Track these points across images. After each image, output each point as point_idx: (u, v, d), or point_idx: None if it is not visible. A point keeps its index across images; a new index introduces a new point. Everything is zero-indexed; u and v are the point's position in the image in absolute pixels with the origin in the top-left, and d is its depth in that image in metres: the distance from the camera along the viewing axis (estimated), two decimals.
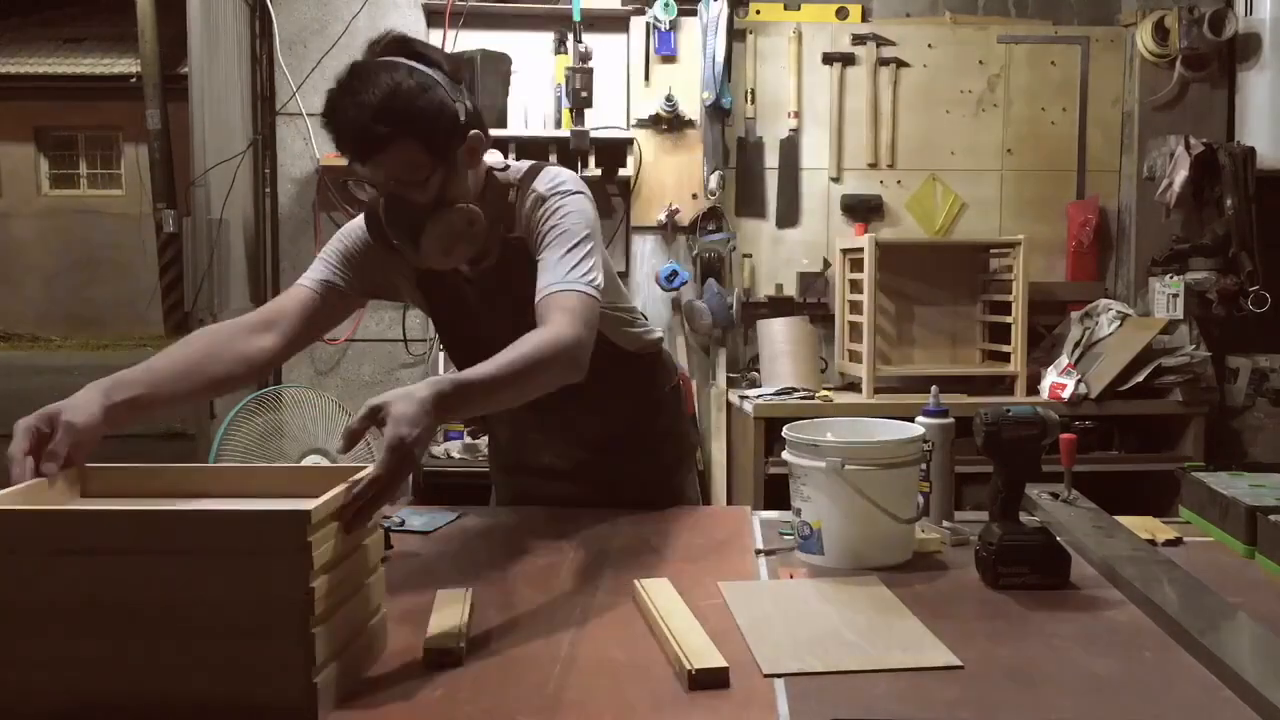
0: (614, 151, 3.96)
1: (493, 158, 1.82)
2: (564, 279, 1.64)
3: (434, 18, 4.03)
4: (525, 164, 1.82)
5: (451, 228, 1.66)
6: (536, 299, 1.63)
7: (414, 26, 4.01)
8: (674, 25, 3.98)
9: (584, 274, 1.65)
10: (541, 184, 1.74)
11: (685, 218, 4.02)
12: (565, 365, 1.57)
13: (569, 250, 1.67)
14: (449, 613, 1.37)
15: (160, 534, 1.07)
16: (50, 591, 1.08)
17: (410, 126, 1.62)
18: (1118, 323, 3.79)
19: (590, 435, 1.95)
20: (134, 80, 12.65)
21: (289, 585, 1.06)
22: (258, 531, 1.07)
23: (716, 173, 3.93)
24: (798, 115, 4.12)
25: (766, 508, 2.08)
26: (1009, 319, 3.72)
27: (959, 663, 1.26)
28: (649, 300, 4.05)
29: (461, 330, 1.87)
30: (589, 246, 1.68)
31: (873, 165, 4.16)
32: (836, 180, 4.16)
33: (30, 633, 1.07)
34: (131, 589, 1.07)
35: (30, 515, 1.10)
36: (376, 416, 1.30)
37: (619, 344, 1.89)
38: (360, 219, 1.81)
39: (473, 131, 1.68)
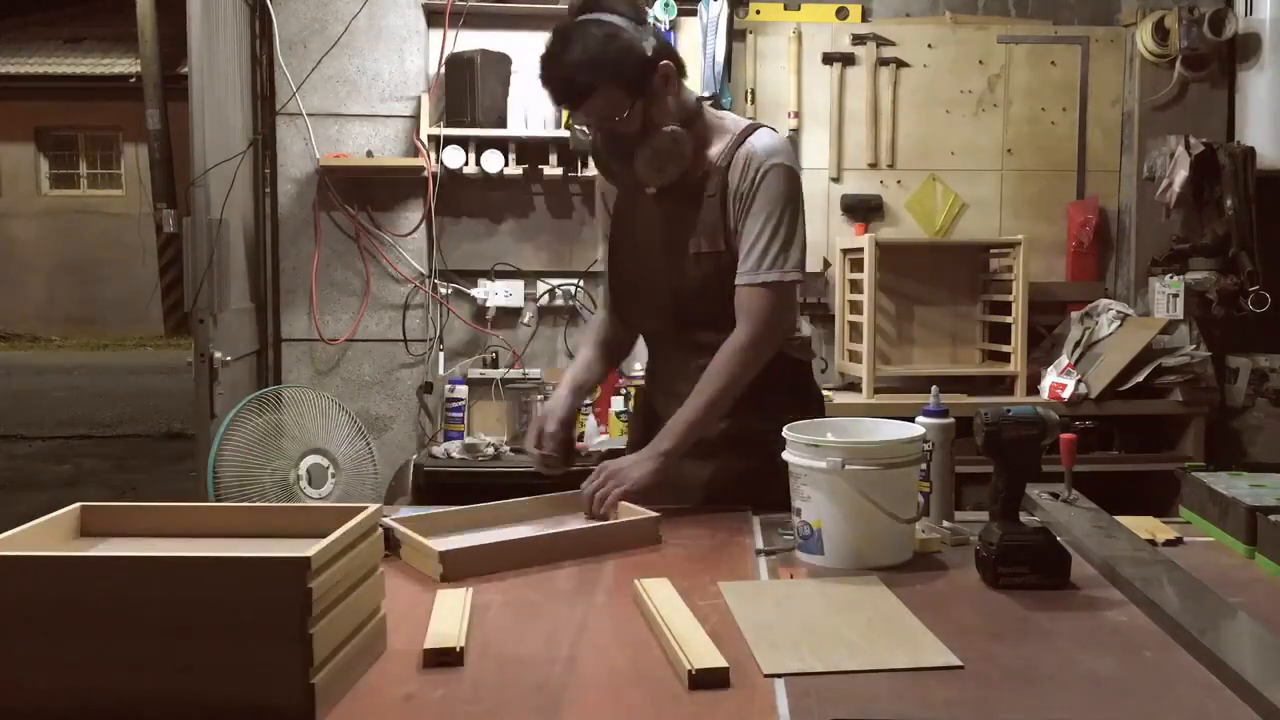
0: None
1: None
2: (762, 267, 1.92)
3: (434, 18, 4.03)
4: (744, 120, 2.05)
5: (660, 148, 1.92)
6: (738, 281, 1.93)
7: (414, 26, 4.01)
8: (674, 25, 3.97)
9: (781, 256, 1.93)
10: (760, 143, 1.96)
11: None
12: (752, 368, 1.93)
13: (774, 228, 1.93)
14: (449, 613, 1.37)
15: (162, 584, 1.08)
16: (50, 593, 1.08)
17: (605, 73, 1.87)
18: (1118, 323, 3.79)
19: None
20: (134, 80, 12.67)
21: (288, 586, 1.07)
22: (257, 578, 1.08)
23: None
24: (798, 115, 4.12)
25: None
26: (1009, 319, 3.72)
27: (959, 662, 1.26)
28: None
29: (626, 252, 2.09)
30: (794, 223, 1.95)
31: (873, 165, 4.16)
32: (836, 180, 4.16)
33: (30, 633, 1.08)
34: (131, 590, 1.07)
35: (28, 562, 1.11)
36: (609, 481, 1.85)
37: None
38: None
39: (663, 62, 1.93)
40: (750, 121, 2.04)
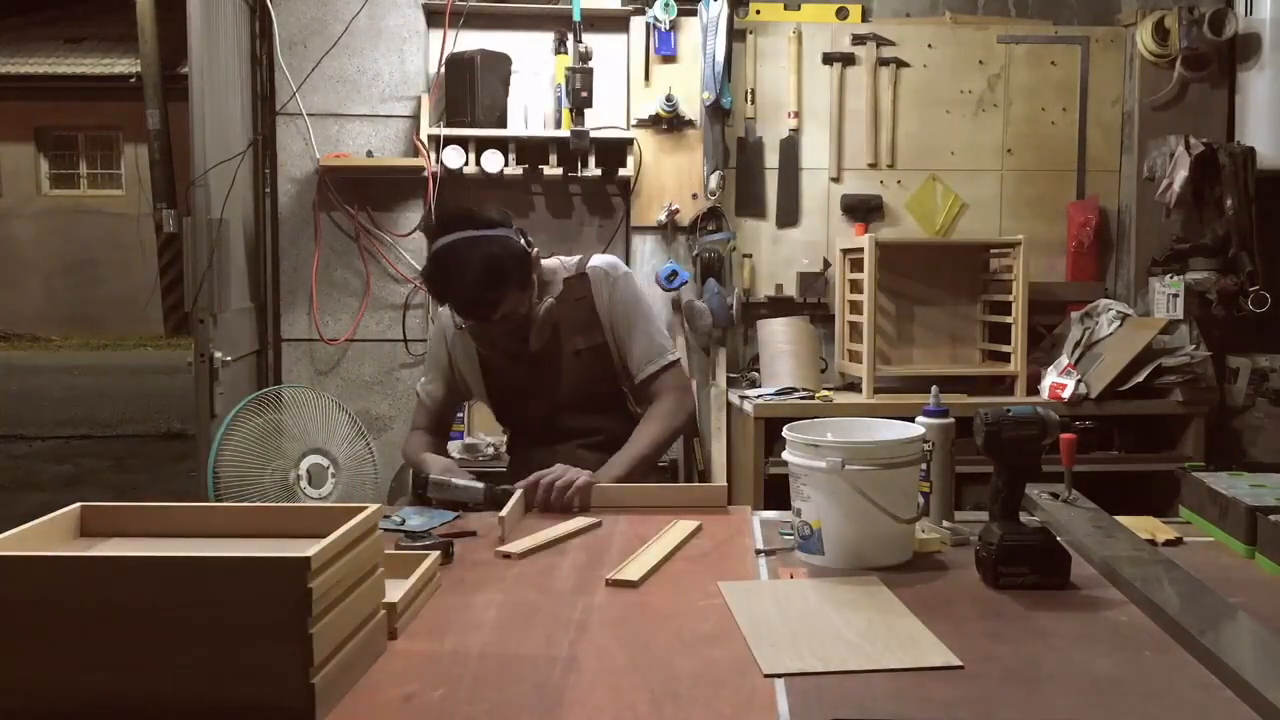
0: (614, 151, 3.96)
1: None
2: (656, 355, 2.28)
3: (434, 18, 4.03)
4: (570, 259, 2.37)
5: (544, 323, 2.21)
6: (640, 374, 2.28)
7: (414, 26, 4.01)
8: (674, 25, 3.97)
9: (662, 342, 2.31)
10: (602, 262, 2.33)
11: (685, 218, 4.02)
12: (675, 424, 2.28)
13: (644, 325, 2.30)
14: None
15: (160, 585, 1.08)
16: (50, 593, 1.08)
17: (510, 284, 2.13)
18: (1118, 323, 3.79)
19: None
20: (134, 80, 12.66)
21: (288, 586, 1.07)
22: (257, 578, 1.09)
23: (716, 173, 3.93)
24: (798, 115, 4.12)
25: (766, 508, 2.08)
26: (1009, 319, 3.72)
27: (959, 662, 1.26)
28: (649, 300, 4.05)
29: (505, 370, 2.31)
30: (652, 315, 2.34)
31: (873, 165, 4.16)
32: (836, 180, 4.16)
33: (30, 633, 1.08)
34: (131, 590, 1.07)
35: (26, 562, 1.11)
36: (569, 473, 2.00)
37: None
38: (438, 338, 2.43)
39: (534, 250, 2.21)
40: (577, 257, 2.38)
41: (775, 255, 4.15)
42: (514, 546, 1.74)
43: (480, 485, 2.07)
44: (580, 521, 1.91)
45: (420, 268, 4.02)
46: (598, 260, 2.34)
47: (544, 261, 2.34)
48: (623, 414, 2.34)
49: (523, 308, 2.18)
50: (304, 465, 3.56)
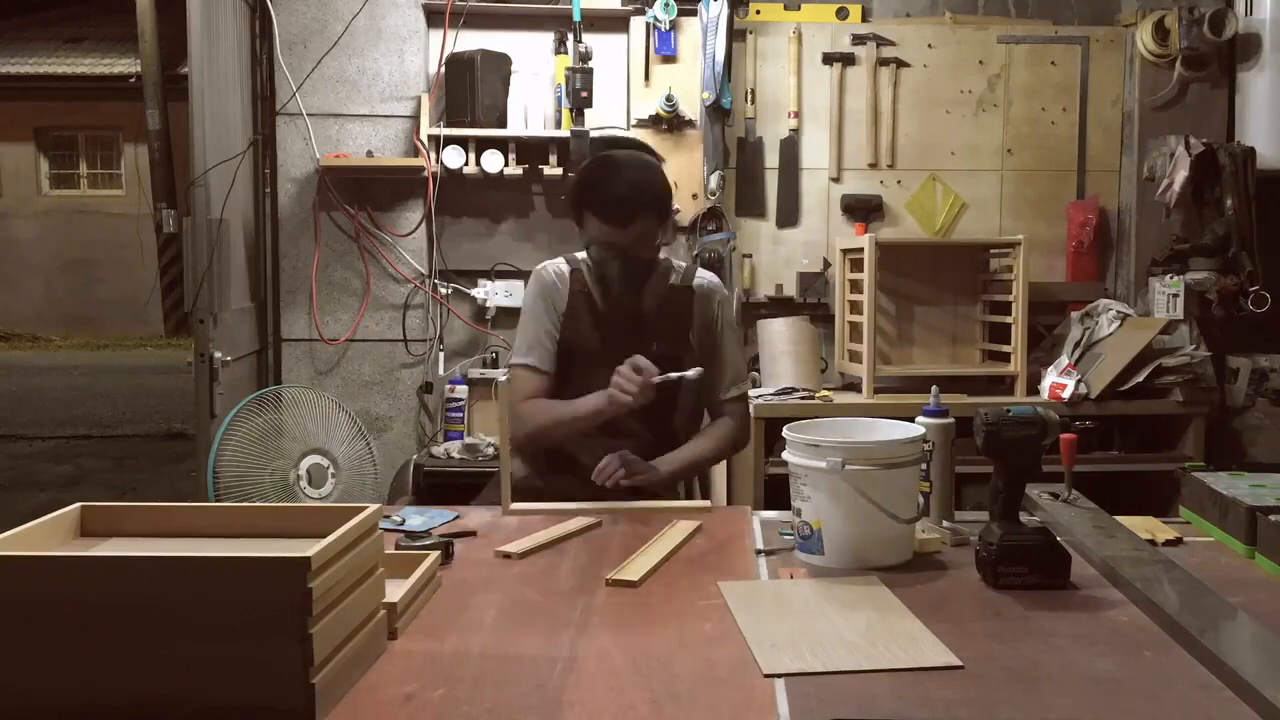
0: None
1: None
2: (739, 380, 2.36)
3: (434, 18, 4.03)
4: (680, 264, 2.39)
5: (656, 282, 2.27)
6: (724, 393, 2.35)
7: (414, 26, 4.01)
8: (674, 25, 3.97)
9: (744, 372, 2.39)
10: (711, 278, 2.38)
11: (685, 218, 4.01)
12: (729, 450, 2.41)
13: (736, 354, 2.37)
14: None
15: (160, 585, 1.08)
16: (51, 593, 1.08)
17: (656, 202, 2.18)
18: (1118, 323, 3.79)
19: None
20: (134, 80, 12.66)
21: (288, 586, 1.07)
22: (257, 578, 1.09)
23: (716, 173, 3.93)
24: (798, 115, 4.12)
25: (766, 508, 2.08)
26: (1009, 319, 3.72)
27: (959, 662, 1.27)
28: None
29: (585, 348, 2.27)
30: (740, 341, 2.44)
31: (873, 165, 4.16)
32: (836, 180, 4.16)
33: (30, 633, 1.08)
34: (132, 591, 1.07)
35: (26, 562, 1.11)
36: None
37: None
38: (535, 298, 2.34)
39: (676, 208, 2.24)
40: (685, 264, 2.40)
41: (775, 255, 4.15)
42: (514, 546, 1.74)
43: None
44: (580, 521, 1.91)
45: (420, 267, 4.04)
46: (706, 277, 2.37)
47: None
48: (662, 427, 2.30)
49: (654, 240, 2.20)
50: (304, 465, 3.56)
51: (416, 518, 1.93)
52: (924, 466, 1.74)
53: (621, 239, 2.16)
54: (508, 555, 1.72)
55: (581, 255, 2.32)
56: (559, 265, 2.34)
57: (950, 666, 1.26)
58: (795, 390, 3.71)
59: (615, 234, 2.15)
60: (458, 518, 1.97)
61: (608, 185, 2.16)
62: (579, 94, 3.81)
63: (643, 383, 2.03)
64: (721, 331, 2.34)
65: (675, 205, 2.33)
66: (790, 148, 4.14)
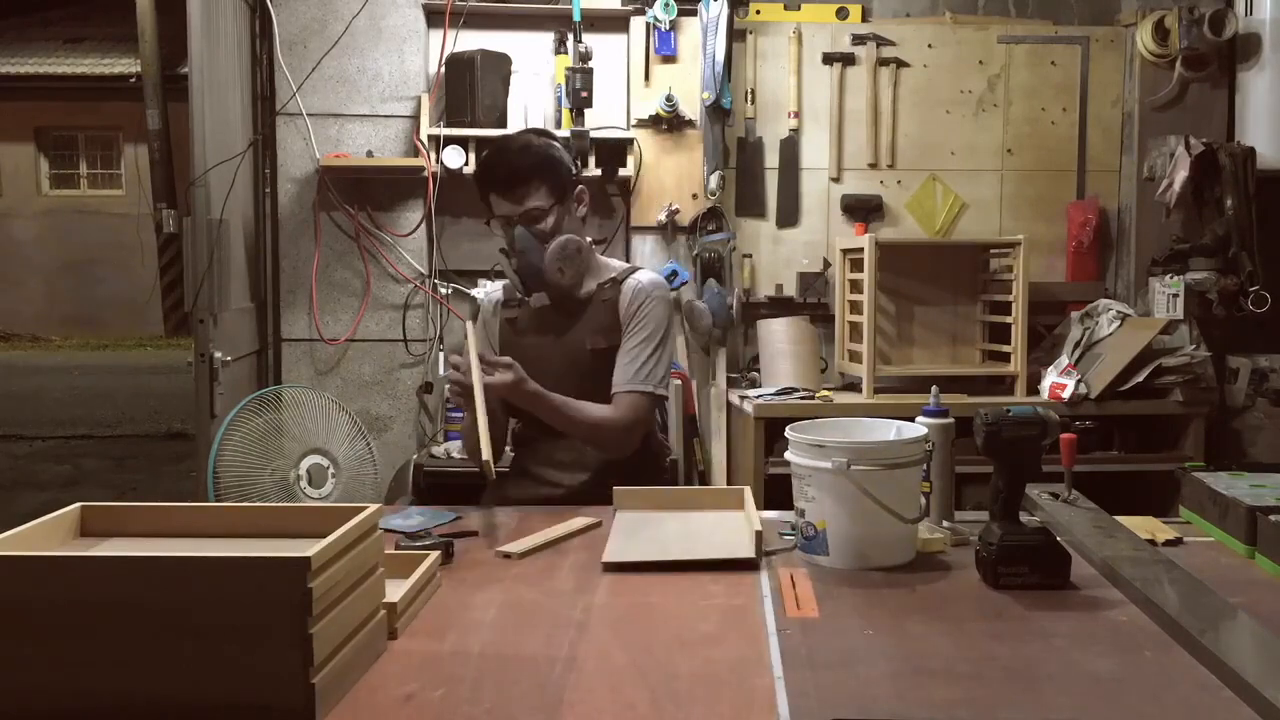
0: (614, 151, 3.96)
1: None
2: (637, 378, 2.25)
3: (434, 18, 4.03)
4: (622, 264, 2.42)
5: (568, 250, 2.24)
6: (614, 387, 2.25)
7: (414, 26, 4.01)
8: (674, 25, 3.97)
9: (652, 372, 2.27)
10: (646, 278, 2.34)
11: (685, 218, 4.02)
12: (609, 446, 2.26)
13: (652, 349, 2.28)
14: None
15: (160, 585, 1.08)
16: (51, 593, 1.08)
17: (541, 169, 2.24)
18: (1118, 323, 3.79)
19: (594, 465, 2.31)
20: (134, 80, 12.65)
21: (288, 586, 1.07)
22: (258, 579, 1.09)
23: (716, 173, 3.93)
24: (798, 115, 4.12)
25: (766, 508, 2.08)
26: (1009, 319, 3.72)
27: (751, 554, 1.63)
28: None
29: (522, 352, 2.26)
30: (664, 346, 2.30)
31: (873, 165, 4.16)
32: (836, 180, 4.16)
33: (30, 633, 1.08)
34: (132, 590, 1.07)
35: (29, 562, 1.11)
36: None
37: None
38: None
39: (580, 185, 2.33)
40: (629, 265, 2.42)
41: (775, 255, 4.15)
42: (514, 546, 1.74)
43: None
44: (580, 521, 1.91)
45: (420, 267, 4.03)
46: (642, 276, 2.36)
47: (600, 256, 2.41)
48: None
49: (549, 210, 2.24)
50: (304, 465, 3.56)
51: (417, 517, 1.93)
52: (924, 467, 1.74)
53: (510, 209, 2.23)
54: (508, 555, 1.72)
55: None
56: (490, 293, 2.45)
57: (745, 559, 1.63)
58: (795, 390, 3.71)
59: (504, 205, 2.24)
60: (458, 518, 1.96)
61: (495, 160, 2.26)
62: (579, 94, 3.81)
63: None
64: (639, 326, 2.28)
65: (579, 181, 2.33)
66: (790, 148, 4.14)
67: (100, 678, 1.07)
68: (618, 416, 2.23)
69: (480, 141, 3.87)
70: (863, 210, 4.12)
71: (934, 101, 4.15)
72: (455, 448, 3.82)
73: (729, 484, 3.92)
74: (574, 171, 2.34)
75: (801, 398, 3.66)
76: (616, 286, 2.32)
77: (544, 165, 2.25)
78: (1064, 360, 3.75)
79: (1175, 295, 3.89)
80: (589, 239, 2.35)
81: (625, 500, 2.02)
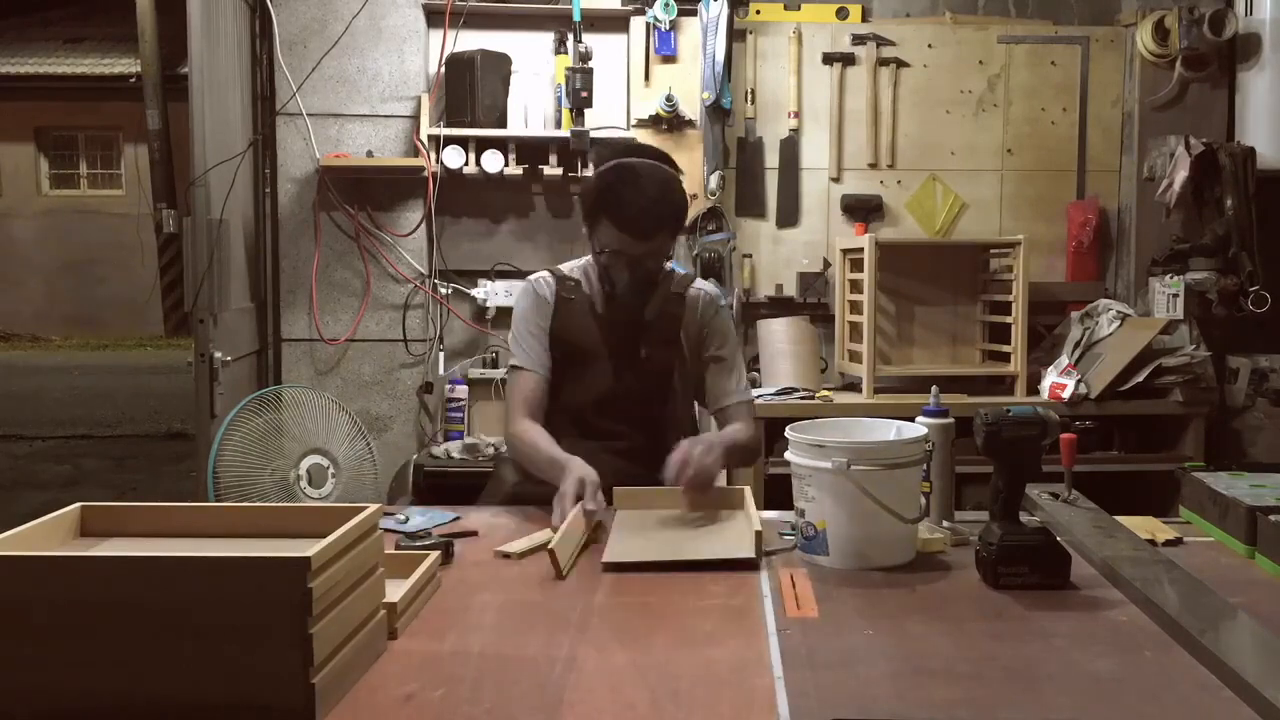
0: None
1: None
2: (741, 387, 2.27)
3: (434, 18, 4.03)
4: (679, 269, 2.38)
5: (660, 295, 2.23)
6: (727, 401, 2.25)
7: (414, 26, 4.01)
8: (674, 25, 3.97)
9: (747, 379, 2.31)
10: (708, 287, 2.33)
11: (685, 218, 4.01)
12: (753, 458, 2.35)
13: (737, 356, 2.29)
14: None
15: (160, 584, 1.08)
16: (51, 593, 1.08)
17: (677, 219, 2.18)
18: (1118, 323, 3.79)
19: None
20: (134, 80, 12.65)
21: (288, 586, 1.07)
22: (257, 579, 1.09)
23: (716, 173, 3.93)
24: (798, 115, 4.12)
25: (767, 508, 2.08)
26: (1009, 319, 3.72)
27: (751, 554, 1.63)
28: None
29: (576, 350, 2.23)
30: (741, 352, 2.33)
31: (873, 165, 4.16)
32: (836, 180, 4.16)
33: (30, 633, 1.07)
34: (132, 591, 1.07)
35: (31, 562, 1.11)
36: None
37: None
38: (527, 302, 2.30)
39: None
40: (682, 271, 2.38)
41: (775, 255, 4.15)
42: (512, 546, 1.74)
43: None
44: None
45: (420, 267, 4.03)
46: (704, 286, 2.33)
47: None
48: (652, 431, 2.25)
49: (669, 251, 2.20)
50: (304, 465, 3.56)
51: (418, 517, 1.93)
52: (925, 467, 1.74)
53: (638, 250, 2.13)
54: (507, 555, 1.72)
55: (570, 265, 2.32)
56: (545, 275, 2.33)
57: (745, 558, 1.63)
58: (795, 390, 3.71)
59: (632, 245, 2.12)
60: (458, 518, 1.96)
61: (631, 197, 2.11)
62: (579, 94, 3.81)
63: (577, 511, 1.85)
64: (720, 341, 2.28)
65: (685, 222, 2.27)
66: (790, 148, 4.14)
67: (100, 678, 1.07)
68: (756, 431, 2.28)
69: (481, 141, 3.86)
70: (863, 210, 4.12)
71: (934, 101, 4.15)
72: (455, 448, 3.82)
73: (729, 484, 3.91)
74: (687, 203, 2.22)
75: (801, 398, 3.66)
76: (681, 302, 2.26)
77: (678, 213, 2.17)
78: (1064, 360, 3.75)
79: (1175, 295, 3.89)
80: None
81: (625, 500, 2.01)
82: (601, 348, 2.22)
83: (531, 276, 2.34)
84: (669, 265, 2.31)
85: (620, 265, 2.16)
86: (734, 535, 1.81)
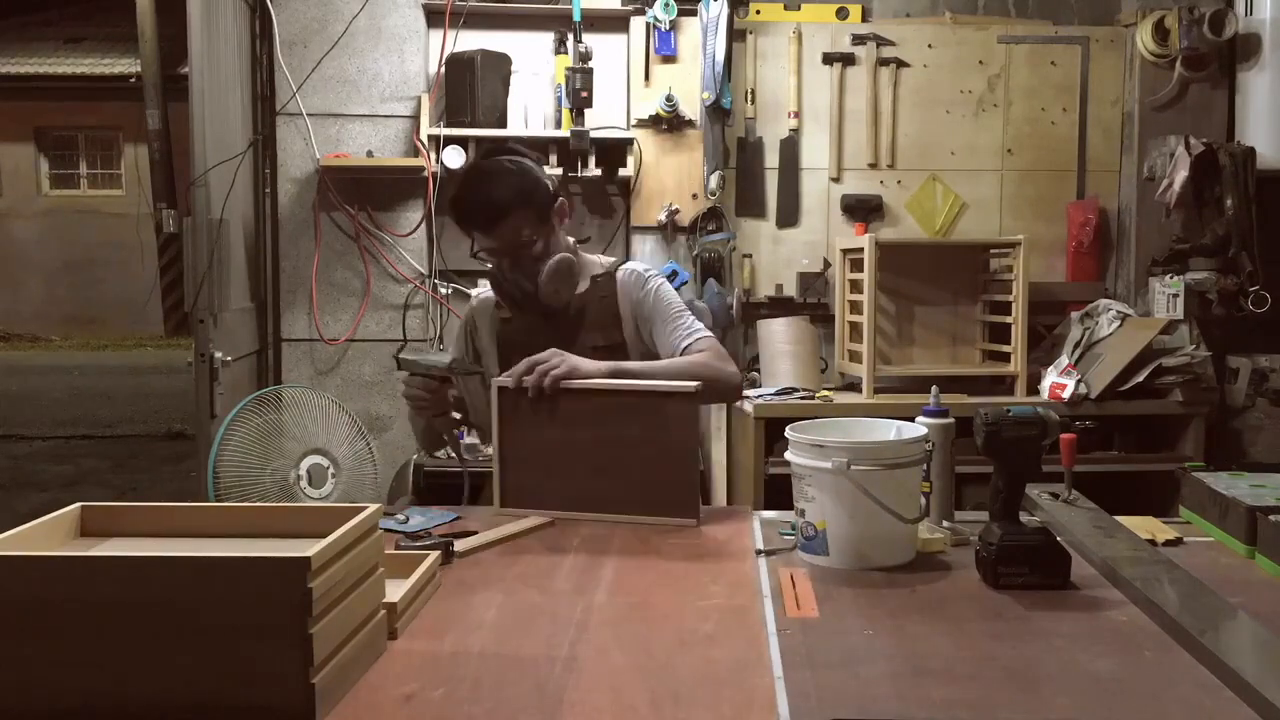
0: (614, 151, 3.96)
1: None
2: (693, 328, 2.23)
3: (434, 18, 4.03)
4: (608, 259, 2.38)
5: (560, 270, 2.18)
6: (681, 344, 2.20)
7: (414, 26, 4.01)
8: (674, 25, 3.97)
9: (698, 326, 2.25)
10: (638, 265, 2.33)
11: (685, 218, 4.02)
12: (726, 392, 2.25)
13: (682, 312, 2.26)
14: None
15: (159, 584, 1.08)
16: (51, 593, 1.08)
17: (520, 199, 2.15)
18: (1118, 323, 3.79)
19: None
20: (134, 80, 12.66)
21: (288, 586, 1.07)
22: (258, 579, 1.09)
23: (716, 173, 3.94)
24: (798, 115, 4.12)
25: (766, 508, 2.08)
26: (1009, 319, 3.72)
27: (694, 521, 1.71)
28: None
29: (519, 357, 2.13)
30: (692, 313, 2.29)
31: (873, 165, 4.16)
32: (836, 180, 4.16)
33: (30, 633, 1.08)
34: (132, 591, 1.07)
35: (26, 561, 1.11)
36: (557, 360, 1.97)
37: None
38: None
39: (560, 198, 2.25)
40: (615, 259, 2.39)
41: (775, 255, 4.15)
42: (461, 545, 1.73)
43: (447, 357, 2.16)
44: (532, 520, 1.90)
45: (420, 267, 4.03)
46: (631, 264, 2.34)
47: (585, 253, 2.36)
48: None
49: (535, 238, 2.18)
50: (304, 465, 3.56)
51: (417, 517, 1.93)
52: (924, 466, 1.74)
53: (494, 243, 2.17)
54: (450, 553, 1.68)
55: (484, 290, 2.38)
56: (486, 291, 2.38)
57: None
58: (795, 390, 3.71)
59: (488, 240, 2.18)
60: (458, 518, 1.96)
61: (468, 196, 2.18)
62: (579, 94, 3.81)
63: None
64: (653, 309, 2.25)
65: (558, 196, 2.24)
66: (790, 148, 4.14)
67: (100, 678, 1.07)
68: (712, 356, 2.18)
69: (480, 141, 3.87)
70: (863, 210, 4.12)
71: (934, 101, 4.15)
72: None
73: (729, 484, 3.92)
74: (551, 188, 2.24)
75: (801, 398, 3.66)
76: (611, 281, 2.29)
77: (522, 194, 2.17)
78: (1064, 360, 3.75)
79: (1175, 295, 3.89)
80: (572, 239, 2.31)
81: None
82: (547, 345, 2.16)
83: (473, 296, 2.44)
84: (570, 252, 2.27)
85: (495, 263, 2.21)
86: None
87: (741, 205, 4.13)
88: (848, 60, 4.12)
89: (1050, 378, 3.71)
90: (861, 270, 3.70)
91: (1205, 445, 3.69)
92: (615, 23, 4.03)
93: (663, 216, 4.01)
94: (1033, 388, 3.73)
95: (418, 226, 4.03)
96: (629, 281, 2.28)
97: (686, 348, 2.21)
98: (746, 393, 3.78)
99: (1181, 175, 3.87)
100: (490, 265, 2.24)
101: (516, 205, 2.15)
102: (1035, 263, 3.94)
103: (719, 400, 2.19)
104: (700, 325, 2.27)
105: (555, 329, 2.25)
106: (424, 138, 3.93)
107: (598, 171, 3.92)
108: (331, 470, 3.60)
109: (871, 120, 4.14)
